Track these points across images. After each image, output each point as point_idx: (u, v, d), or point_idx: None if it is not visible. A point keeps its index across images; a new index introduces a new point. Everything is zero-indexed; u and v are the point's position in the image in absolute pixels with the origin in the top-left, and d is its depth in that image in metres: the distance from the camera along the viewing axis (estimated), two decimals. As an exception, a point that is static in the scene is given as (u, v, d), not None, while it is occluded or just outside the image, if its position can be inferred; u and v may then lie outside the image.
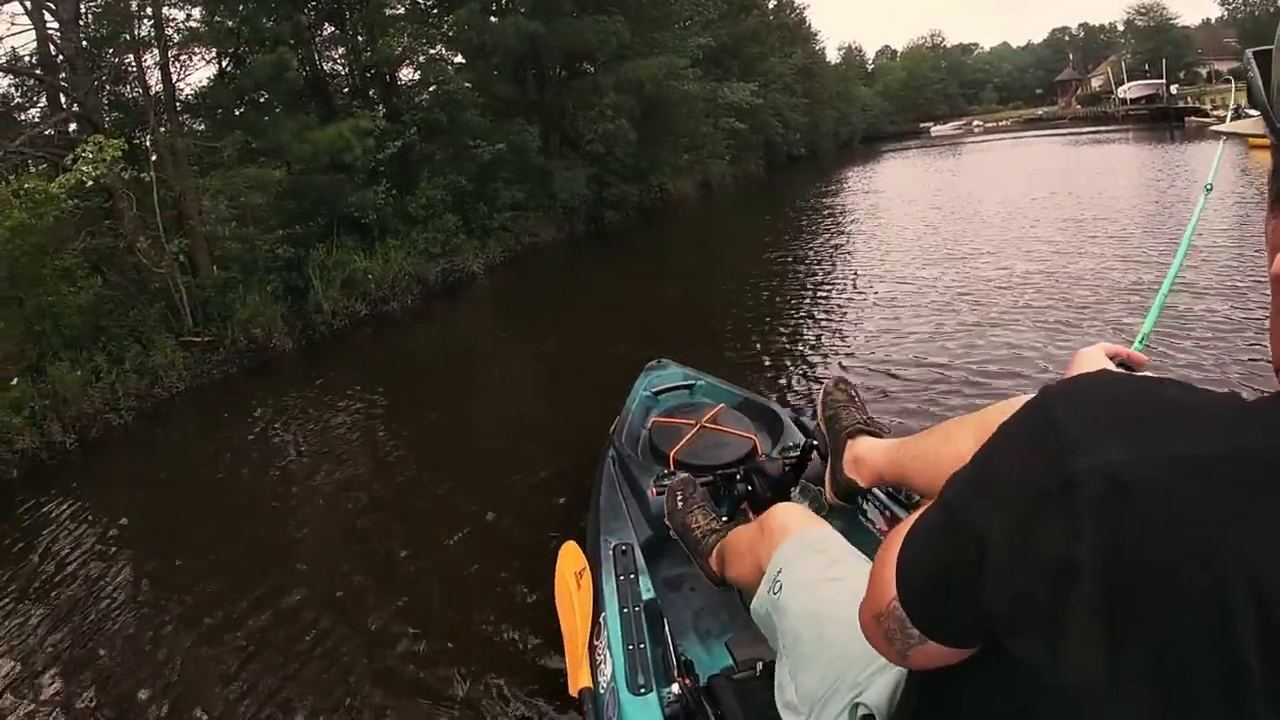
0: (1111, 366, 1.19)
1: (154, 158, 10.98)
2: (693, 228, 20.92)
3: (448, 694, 3.33)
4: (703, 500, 2.64)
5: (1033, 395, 0.74)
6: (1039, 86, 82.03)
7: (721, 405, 3.50)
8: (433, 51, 18.22)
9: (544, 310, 11.94)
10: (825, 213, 16.91)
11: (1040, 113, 65.51)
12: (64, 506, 6.84)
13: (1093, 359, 1.21)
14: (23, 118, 12.05)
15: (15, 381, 8.62)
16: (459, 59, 19.06)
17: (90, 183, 9.45)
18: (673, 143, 24.19)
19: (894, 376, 6.23)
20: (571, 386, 7.59)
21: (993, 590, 0.69)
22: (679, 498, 2.69)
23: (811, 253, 12.67)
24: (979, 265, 9.91)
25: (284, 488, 6.55)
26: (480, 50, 18.44)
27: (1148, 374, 0.98)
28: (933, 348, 6.88)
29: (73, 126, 11.74)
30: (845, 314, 8.54)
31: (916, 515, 0.85)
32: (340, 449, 6.93)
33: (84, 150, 9.41)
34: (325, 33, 16.91)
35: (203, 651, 4.12)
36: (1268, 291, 0.68)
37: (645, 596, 2.34)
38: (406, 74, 18.15)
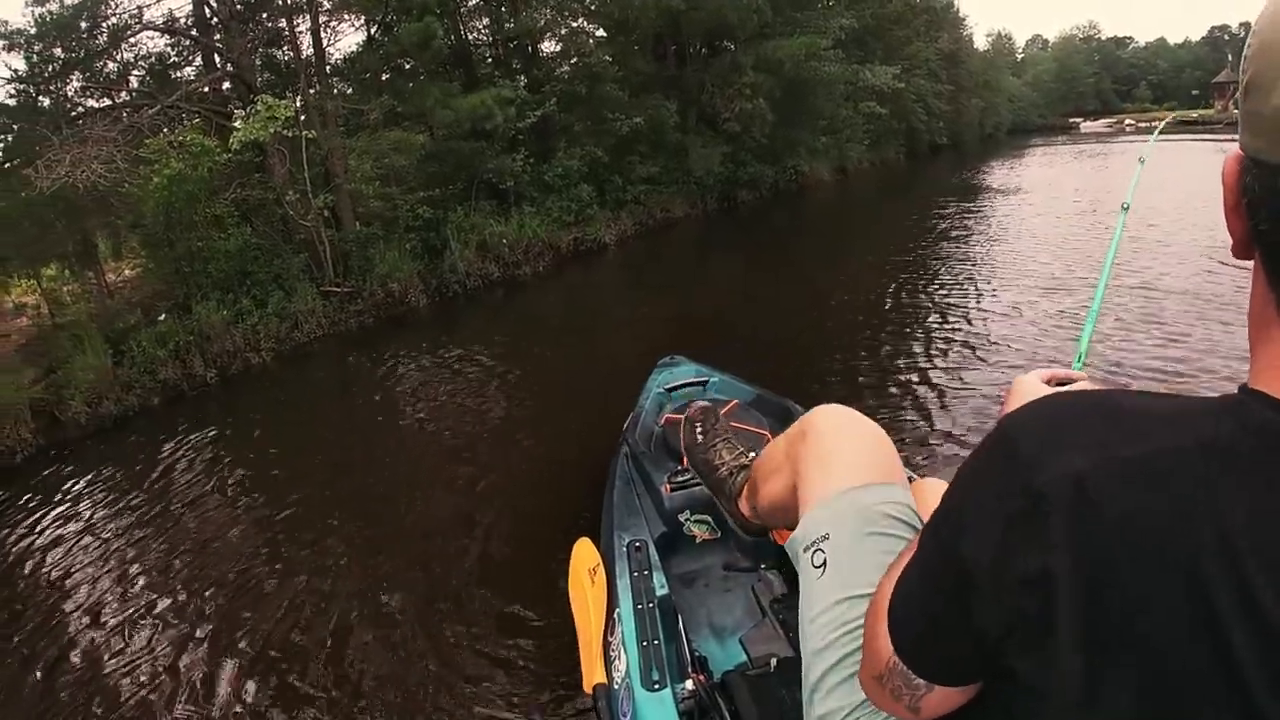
0: (1049, 390, 1.11)
1: (303, 117, 11.26)
2: (825, 215, 20.16)
3: (460, 689, 3.29)
4: (727, 433, 2.27)
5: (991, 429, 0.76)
6: (1195, 87, 77.55)
7: (735, 401, 3.47)
8: (574, 24, 18.29)
9: (665, 288, 11.66)
10: (958, 212, 15.25)
11: (1195, 115, 61.78)
12: (199, 432, 7.17)
13: (1030, 385, 1.14)
14: (177, 75, 12.56)
15: (163, 317, 9.08)
16: (600, 32, 19.08)
17: (265, 139, 9.88)
18: (811, 124, 23.62)
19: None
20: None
21: (984, 615, 0.71)
22: (698, 429, 2.32)
23: (932, 262, 10.81)
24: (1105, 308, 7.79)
25: (395, 433, 6.64)
26: (621, 25, 18.39)
27: (1092, 386, 1.07)
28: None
29: (226, 85, 12.25)
30: (946, 352, 6.69)
31: (894, 576, 0.89)
32: (448, 407, 6.95)
33: (254, 109, 9.83)
34: (470, 3, 17.16)
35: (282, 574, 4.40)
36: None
37: (659, 592, 2.33)
38: (548, 46, 18.27)
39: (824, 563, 1.29)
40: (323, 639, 3.73)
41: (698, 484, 2.72)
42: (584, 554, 2.80)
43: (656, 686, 2.00)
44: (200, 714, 3.39)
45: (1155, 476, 0.61)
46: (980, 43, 56.98)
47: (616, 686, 2.15)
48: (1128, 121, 63.76)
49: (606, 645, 2.33)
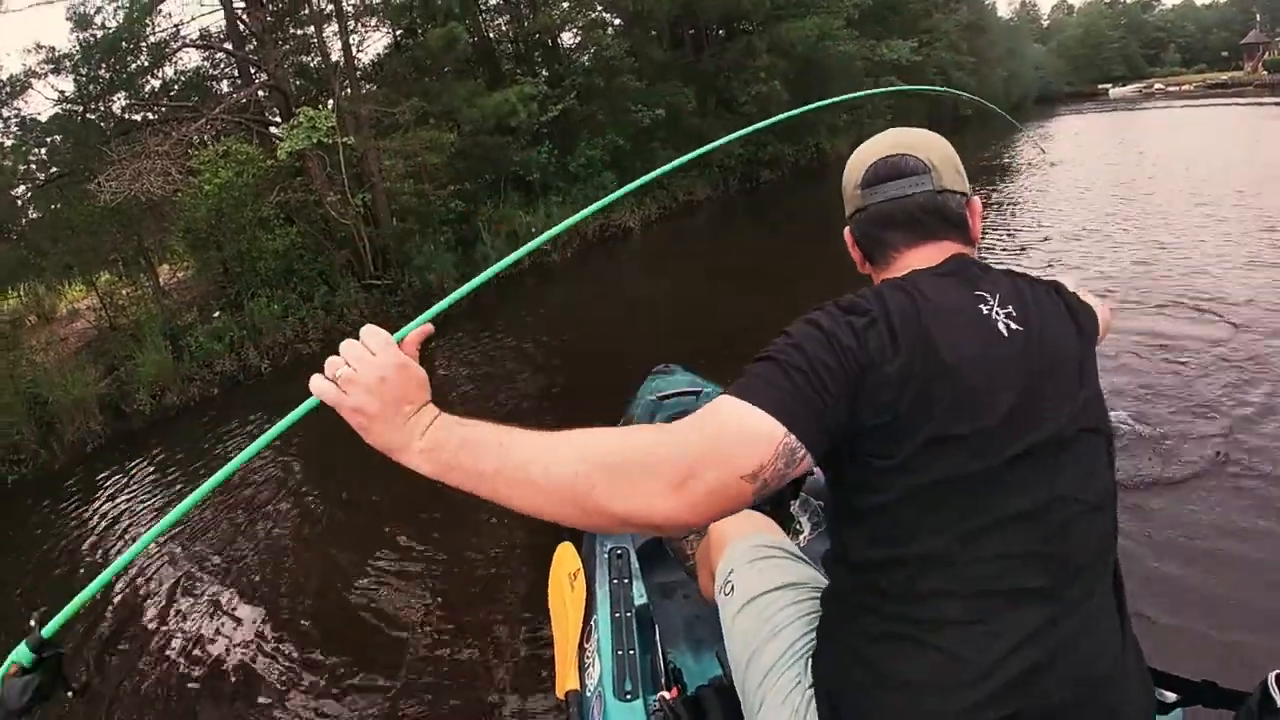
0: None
1: (334, 122, 11.77)
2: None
3: (434, 688, 3.37)
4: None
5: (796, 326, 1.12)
6: (1224, 49, 75.66)
7: None
8: (592, 15, 18.72)
9: (682, 274, 11.96)
10: (983, 190, 15.10)
11: (1225, 78, 60.03)
12: (254, 418, 7.81)
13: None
14: (215, 88, 13.29)
15: (217, 314, 9.70)
16: (617, 21, 19.49)
17: (308, 148, 10.46)
18: (830, 102, 23.80)
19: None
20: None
21: (869, 402, 1.03)
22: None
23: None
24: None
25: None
26: (637, 15, 18.76)
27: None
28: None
29: (262, 94, 12.81)
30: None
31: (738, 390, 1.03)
32: (468, 401, 7.32)
33: (297, 121, 10.41)
34: (490, 3, 17.66)
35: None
36: None
37: (638, 601, 2.28)
38: (567, 38, 18.76)
39: (732, 589, 1.64)
40: (312, 620, 4.08)
41: None
42: (565, 558, 2.77)
43: (629, 697, 1.99)
44: (215, 663, 3.85)
45: (902, 304, 1.10)
46: (1004, 11, 56.11)
47: (589, 694, 2.14)
48: (1157, 85, 62.25)
49: (582, 652, 2.32)
